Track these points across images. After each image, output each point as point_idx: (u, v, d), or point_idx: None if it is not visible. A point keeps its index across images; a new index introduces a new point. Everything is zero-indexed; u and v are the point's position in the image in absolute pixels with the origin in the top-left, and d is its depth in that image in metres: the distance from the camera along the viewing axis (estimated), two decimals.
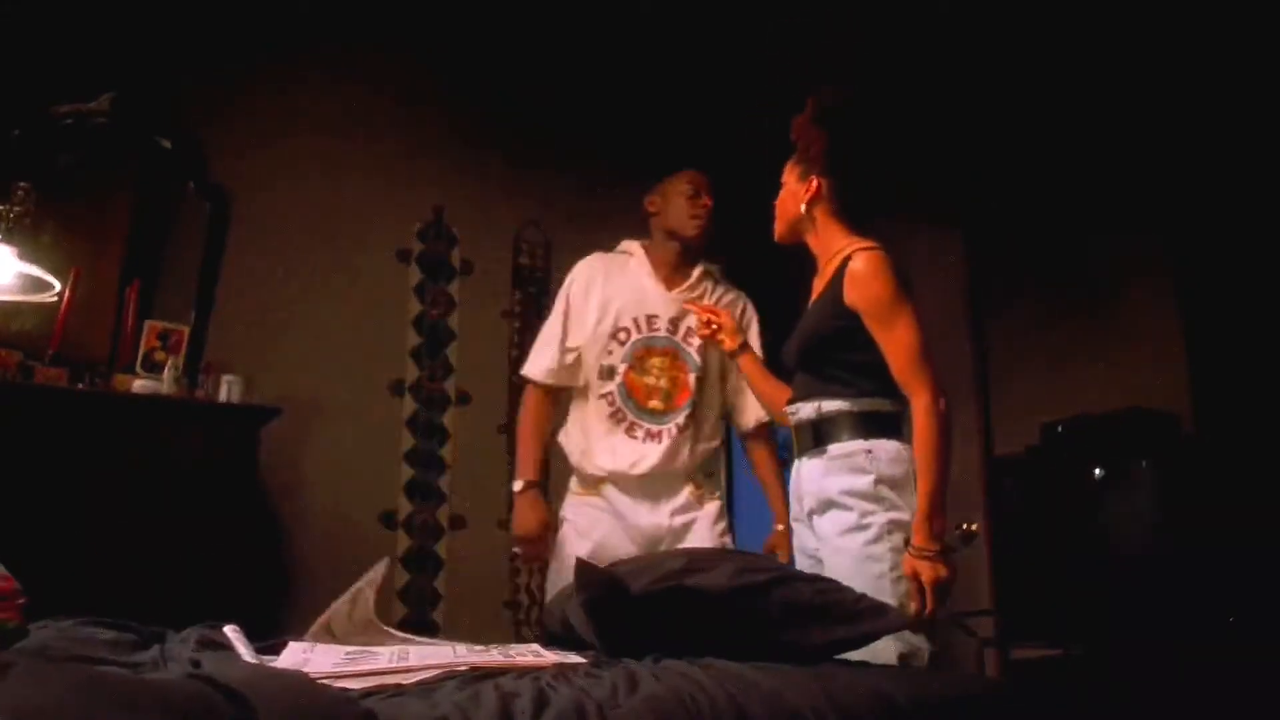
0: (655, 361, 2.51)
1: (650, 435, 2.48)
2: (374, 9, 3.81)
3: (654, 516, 2.46)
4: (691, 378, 2.51)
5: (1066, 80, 3.96)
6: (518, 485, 2.49)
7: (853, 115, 2.22)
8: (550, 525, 2.48)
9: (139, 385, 2.95)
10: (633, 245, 2.65)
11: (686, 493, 2.50)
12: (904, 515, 1.96)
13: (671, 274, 2.59)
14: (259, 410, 3.07)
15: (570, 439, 2.57)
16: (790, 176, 2.22)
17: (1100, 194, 4.07)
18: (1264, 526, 3.24)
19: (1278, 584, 3.15)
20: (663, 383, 2.50)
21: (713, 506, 2.51)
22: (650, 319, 2.53)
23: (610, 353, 2.51)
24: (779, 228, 2.25)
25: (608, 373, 2.50)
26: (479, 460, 3.81)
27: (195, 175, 3.40)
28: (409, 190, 3.87)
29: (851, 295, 2.03)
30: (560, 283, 4.01)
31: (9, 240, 2.69)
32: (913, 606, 1.87)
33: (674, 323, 2.54)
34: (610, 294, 2.54)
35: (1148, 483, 3.57)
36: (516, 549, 2.61)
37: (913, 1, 3.67)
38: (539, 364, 2.58)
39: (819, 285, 2.17)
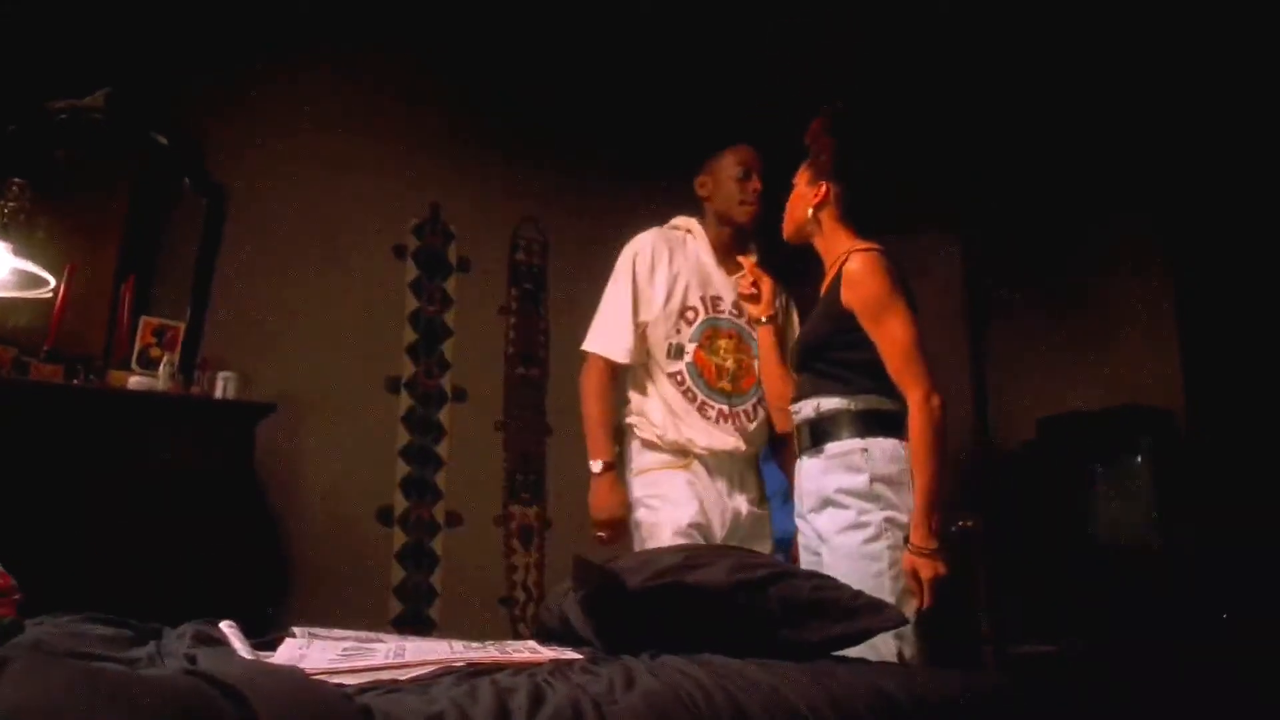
0: (722, 343, 2.49)
1: (722, 415, 2.45)
2: (371, 6, 3.80)
3: (736, 500, 2.43)
4: (756, 363, 2.50)
5: (1061, 79, 3.96)
6: (596, 466, 2.42)
7: (862, 125, 2.26)
8: (629, 506, 2.42)
9: (134, 381, 2.95)
10: (690, 222, 2.60)
11: (756, 484, 2.50)
12: (900, 514, 1.98)
13: (727, 257, 2.57)
14: (255, 406, 3.07)
15: (650, 414, 2.47)
16: (801, 180, 2.28)
17: (1095, 192, 4.08)
18: (1259, 522, 3.25)
19: (1272, 579, 3.16)
20: (729, 364, 2.48)
21: (770, 510, 2.52)
22: (715, 300, 2.51)
23: (678, 331, 2.47)
24: (788, 228, 2.30)
25: (676, 351, 2.46)
26: (475, 457, 3.81)
27: (191, 171, 3.39)
28: (406, 186, 3.86)
29: (847, 295, 2.07)
30: (557, 279, 4.09)
31: (4, 236, 2.68)
32: (912, 603, 1.88)
33: (738, 307, 2.53)
34: (676, 271, 2.49)
35: (1143, 478, 3.57)
36: (600, 533, 2.46)
37: (910, 2, 3.68)
38: (617, 342, 2.47)
39: (824, 288, 2.21)
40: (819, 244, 2.24)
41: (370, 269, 3.74)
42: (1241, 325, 3.57)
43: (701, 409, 2.44)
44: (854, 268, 2.07)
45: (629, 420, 2.51)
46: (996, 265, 4.37)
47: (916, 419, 1.97)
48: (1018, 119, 4.17)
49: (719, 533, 2.39)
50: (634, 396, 2.51)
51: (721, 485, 2.43)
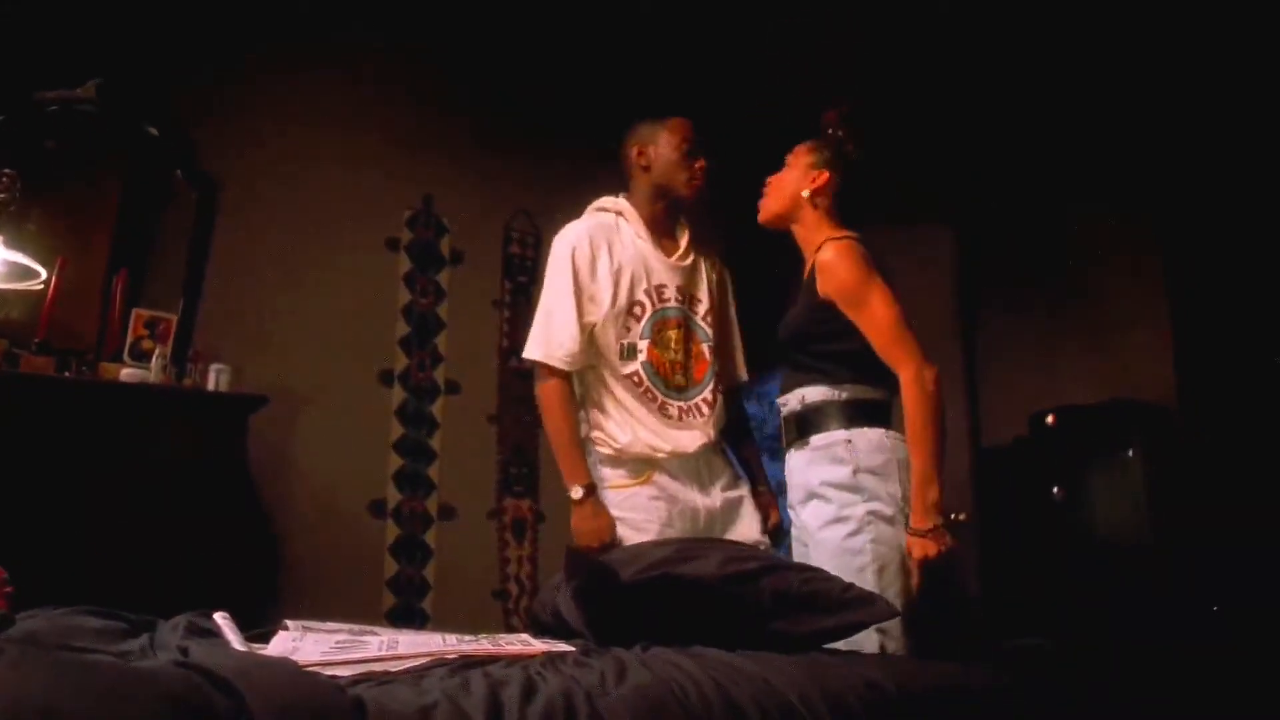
0: (671, 334, 2.34)
1: (683, 412, 2.31)
2: None
3: (706, 498, 2.30)
4: (706, 348, 2.37)
5: (1054, 73, 3.96)
6: (577, 493, 2.22)
7: (873, 124, 2.25)
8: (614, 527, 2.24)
9: (126, 374, 2.94)
10: (619, 203, 2.43)
11: (726, 468, 2.37)
12: (885, 506, 1.97)
13: (663, 237, 2.42)
14: (247, 399, 3.06)
15: (608, 426, 2.30)
16: (798, 160, 2.22)
17: (1089, 186, 4.09)
18: (1251, 517, 3.26)
19: (1265, 574, 3.18)
20: (679, 356, 2.34)
21: (748, 487, 2.38)
22: (660, 289, 2.35)
23: (628, 330, 2.31)
24: (771, 205, 2.24)
25: (629, 351, 2.30)
26: (468, 450, 3.81)
27: (183, 163, 3.38)
28: (398, 179, 3.85)
29: (824, 285, 2.06)
30: None
31: None
32: (897, 598, 1.87)
33: (681, 292, 2.37)
34: (618, 265, 2.32)
35: (1136, 473, 3.59)
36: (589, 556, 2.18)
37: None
38: (562, 347, 2.27)
39: (804, 278, 2.20)
40: (798, 231, 2.21)
41: (363, 261, 3.73)
42: (1235, 321, 3.58)
43: (663, 409, 2.30)
44: (826, 257, 2.05)
45: (588, 433, 2.35)
46: (990, 260, 4.38)
47: (910, 394, 1.94)
48: (1012, 113, 4.18)
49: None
50: (589, 408, 2.35)
51: (691, 486, 2.30)
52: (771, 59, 3.99)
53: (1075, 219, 4.15)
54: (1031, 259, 4.29)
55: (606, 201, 2.46)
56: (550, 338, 2.28)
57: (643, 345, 2.31)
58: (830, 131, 2.22)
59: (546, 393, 2.29)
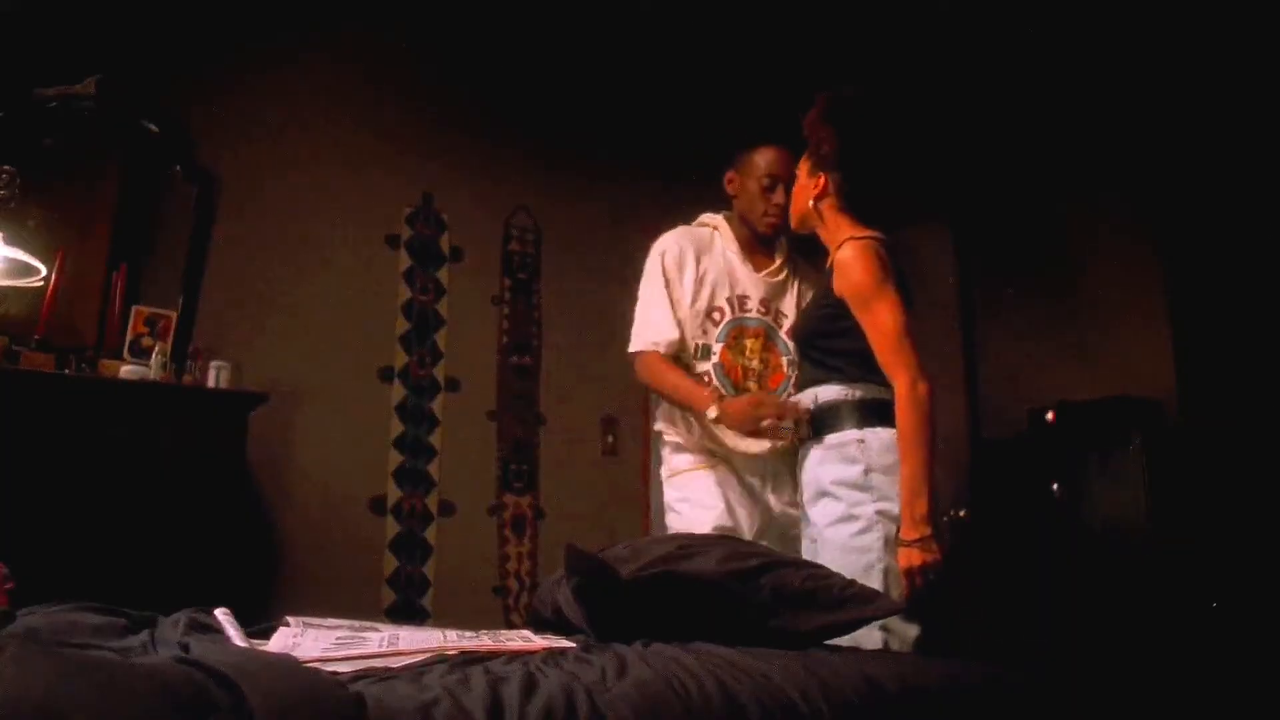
0: (749, 343, 2.43)
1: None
2: None
3: (768, 498, 2.37)
4: (784, 361, 2.44)
5: (1050, 67, 3.96)
6: (713, 412, 2.27)
7: (862, 113, 2.24)
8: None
9: (126, 370, 2.94)
10: (715, 219, 2.55)
11: (789, 483, 2.38)
12: (894, 506, 1.98)
13: (755, 252, 2.52)
14: (247, 396, 3.06)
15: (677, 417, 2.43)
16: (801, 171, 2.27)
17: (1085, 182, 4.08)
18: (1251, 512, 3.26)
19: (1264, 569, 3.18)
20: (755, 364, 2.43)
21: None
22: (742, 299, 2.46)
23: (705, 332, 2.42)
24: (792, 220, 2.30)
25: (704, 351, 2.42)
26: (468, 446, 3.81)
27: (182, 159, 3.38)
28: (398, 175, 3.85)
29: (838, 284, 2.08)
30: (550, 268, 4.08)
31: None
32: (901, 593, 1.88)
33: (765, 304, 2.47)
34: (703, 271, 2.45)
35: (1135, 469, 3.59)
36: (777, 430, 2.27)
37: None
38: (659, 332, 2.40)
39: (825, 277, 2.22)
40: (822, 234, 2.23)
41: (363, 258, 3.73)
42: (1232, 316, 3.58)
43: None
44: (844, 256, 2.07)
45: (657, 426, 2.50)
46: (987, 256, 4.38)
47: (903, 405, 1.96)
48: (1007, 109, 4.17)
49: (748, 534, 2.34)
50: (663, 402, 2.49)
51: (754, 483, 2.38)
52: (765, 51, 3.98)
53: (1073, 215, 4.15)
54: (1030, 255, 4.29)
55: (706, 217, 2.57)
56: (651, 327, 2.42)
57: (717, 348, 2.41)
58: (810, 134, 2.22)
59: (650, 369, 2.42)
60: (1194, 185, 3.72)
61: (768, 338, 2.45)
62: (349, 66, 3.80)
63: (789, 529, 2.35)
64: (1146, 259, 3.87)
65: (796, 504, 2.35)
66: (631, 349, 2.46)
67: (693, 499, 2.36)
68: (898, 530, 1.95)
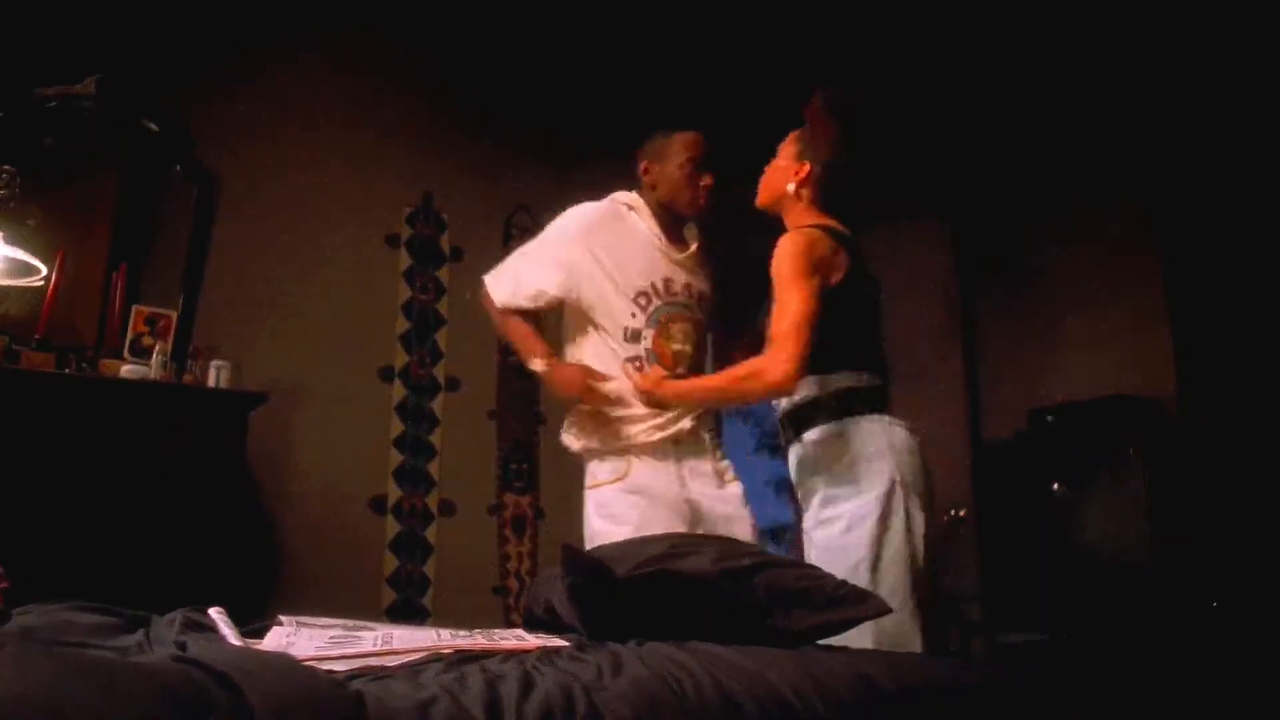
0: (676, 327, 2.38)
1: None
2: None
3: (689, 488, 2.33)
4: (708, 340, 2.48)
5: (1050, 64, 3.96)
6: (539, 365, 2.33)
7: (865, 108, 2.24)
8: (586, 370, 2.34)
9: (127, 370, 2.94)
10: (631, 198, 2.47)
11: (710, 461, 2.39)
12: (878, 500, 1.95)
13: (672, 235, 2.46)
14: (248, 396, 3.07)
15: (586, 418, 2.38)
16: (786, 152, 2.23)
17: (1087, 182, 4.08)
18: (1251, 512, 3.26)
19: (1263, 568, 3.18)
20: (687, 348, 2.39)
21: (737, 488, 2.41)
22: (668, 282, 2.40)
23: (633, 315, 2.36)
24: (763, 196, 2.26)
25: (634, 336, 2.36)
26: (468, 446, 3.82)
27: (182, 158, 3.38)
28: (398, 175, 3.86)
29: (772, 269, 2.06)
30: None
31: None
32: (895, 597, 1.84)
33: (688, 288, 2.43)
34: (624, 254, 2.38)
35: (1135, 469, 3.59)
36: (585, 404, 2.35)
37: None
38: (521, 292, 2.41)
39: None
40: (786, 220, 2.20)
41: (363, 258, 3.74)
42: (1232, 316, 3.58)
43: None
44: (779, 244, 2.06)
45: (565, 439, 2.44)
46: (989, 255, 4.38)
47: (758, 367, 1.98)
48: (1008, 108, 4.17)
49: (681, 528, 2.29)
50: (569, 415, 2.44)
51: (670, 479, 2.32)
52: (764, 48, 3.98)
53: (1074, 214, 4.15)
54: (1030, 254, 4.29)
55: (621, 195, 2.51)
56: (519, 285, 2.41)
57: (648, 333, 2.36)
58: (810, 120, 2.21)
59: (497, 313, 2.46)
60: (1195, 185, 3.72)
61: (693, 322, 2.42)
62: (349, 66, 3.80)
63: (730, 517, 2.33)
64: (1146, 259, 3.87)
65: (724, 484, 2.39)
66: (492, 293, 2.44)
67: (614, 513, 2.30)
68: (885, 523, 1.93)
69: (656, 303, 2.38)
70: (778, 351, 1.96)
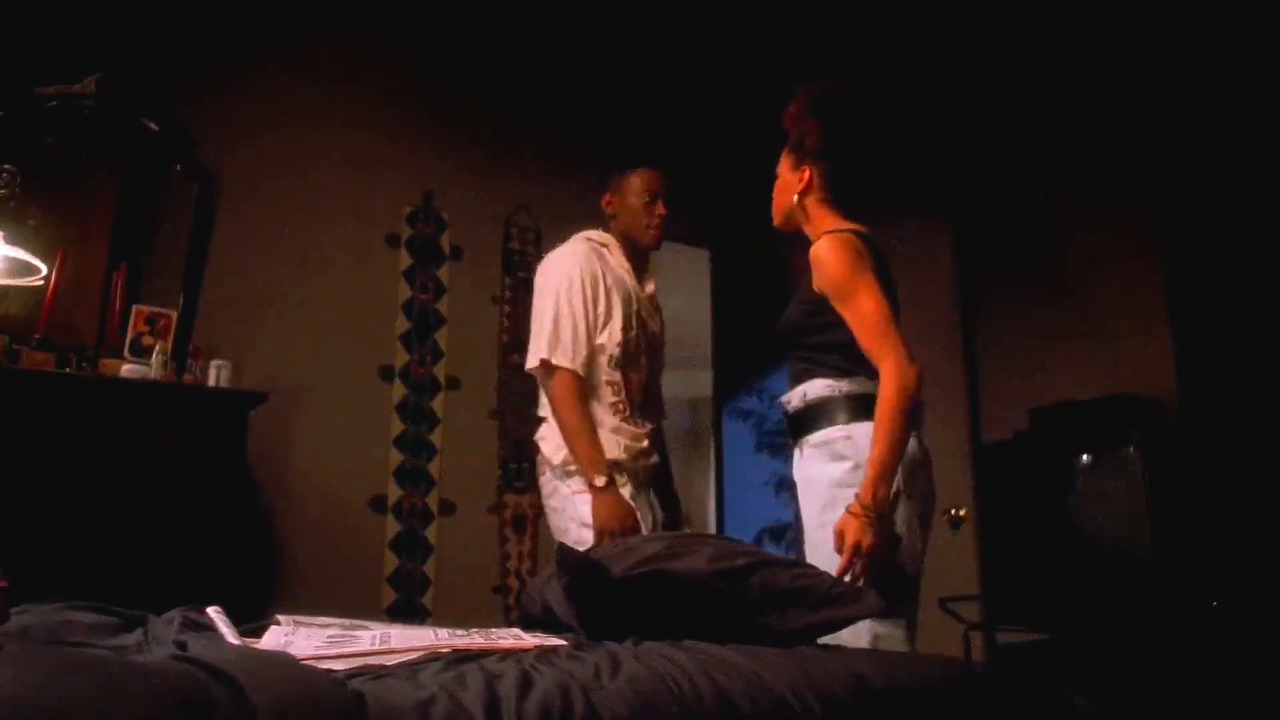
0: (642, 358, 2.58)
1: (641, 426, 2.54)
2: None
3: (658, 509, 2.51)
4: (660, 369, 2.65)
5: (1052, 65, 3.96)
6: (600, 481, 2.36)
7: (845, 105, 2.22)
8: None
9: (127, 370, 2.94)
10: (605, 236, 2.65)
11: (669, 493, 2.61)
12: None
13: (637, 268, 2.65)
14: (248, 395, 3.07)
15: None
16: (784, 167, 2.24)
17: (1087, 182, 4.08)
18: (1250, 512, 3.26)
19: (1262, 569, 3.18)
20: (645, 376, 2.59)
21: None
22: (639, 316, 2.58)
23: (619, 345, 2.51)
24: (776, 217, 2.27)
25: (616, 363, 2.52)
26: (469, 445, 3.82)
27: (182, 157, 3.38)
28: (399, 174, 3.86)
29: (816, 279, 2.06)
30: None
31: None
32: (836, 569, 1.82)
33: (650, 318, 2.63)
34: (610, 288, 2.54)
35: (1134, 467, 3.59)
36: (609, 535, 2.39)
37: None
38: (579, 355, 2.46)
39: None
40: (806, 229, 2.20)
41: (363, 257, 3.74)
42: (1231, 316, 3.58)
43: (628, 420, 2.51)
44: (818, 251, 2.05)
45: (541, 433, 2.55)
46: (989, 255, 4.38)
47: (889, 389, 1.91)
48: (1009, 108, 4.17)
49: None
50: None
51: (649, 497, 2.52)
52: (763, 47, 3.98)
53: (1075, 214, 4.15)
54: (1031, 253, 4.29)
55: (594, 234, 2.70)
56: (570, 345, 2.45)
57: (622, 361, 2.52)
58: (792, 128, 2.20)
59: (563, 390, 2.44)
60: (1195, 186, 3.72)
61: (653, 353, 2.63)
62: (349, 66, 3.80)
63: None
64: (1147, 259, 3.87)
65: (672, 506, 2.56)
66: (551, 359, 2.44)
67: (581, 515, 2.40)
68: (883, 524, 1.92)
69: (631, 334, 2.55)
70: (883, 364, 1.94)
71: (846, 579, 1.78)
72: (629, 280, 2.59)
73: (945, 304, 4.28)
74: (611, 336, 2.50)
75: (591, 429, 2.41)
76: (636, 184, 2.60)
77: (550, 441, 2.50)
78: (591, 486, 2.36)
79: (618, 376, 2.50)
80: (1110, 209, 4.01)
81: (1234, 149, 3.58)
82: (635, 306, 2.56)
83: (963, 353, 4.27)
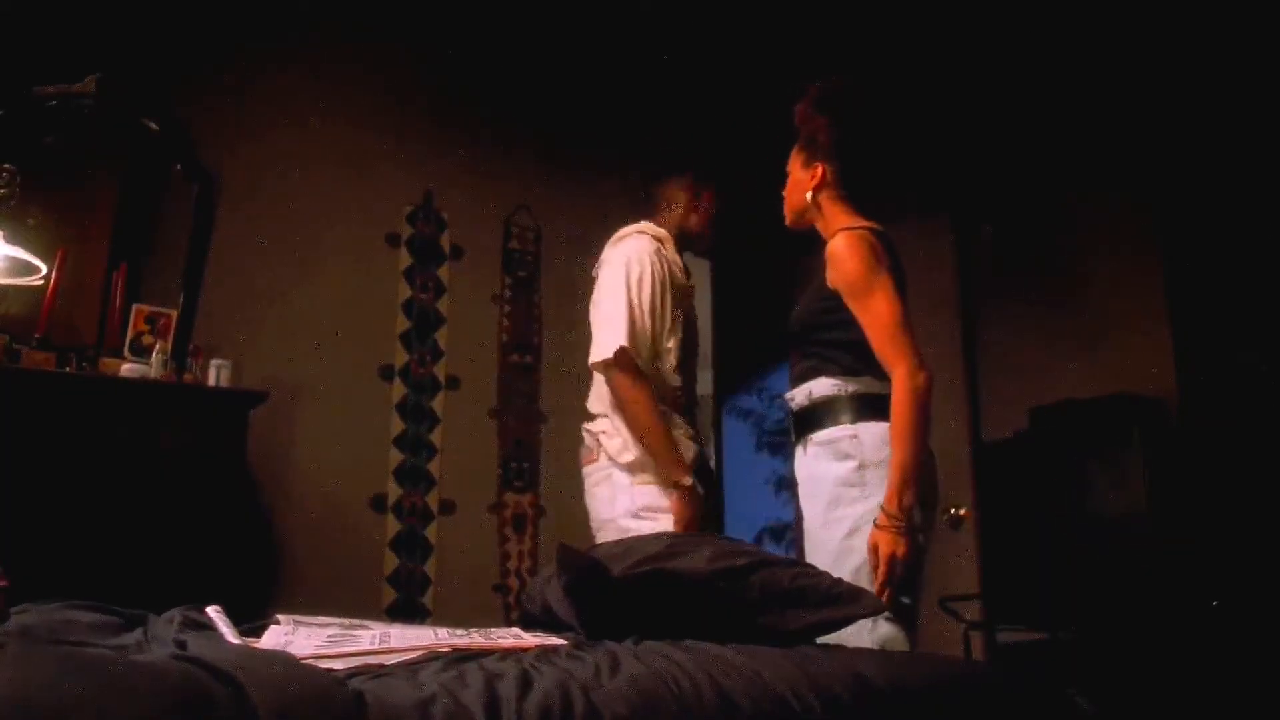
0: (693, 359, 2.65)
1: (691, 424, 2.60)
2: None
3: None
4: (697, 362, 2.68)
5: (1053, 64, 3.96)
6: (688, 481, 2.38)
7: (855, 101, 2.22)
8: None
9: (127, 369, 2.94)
10: (661, 232, 2.65)
11: None
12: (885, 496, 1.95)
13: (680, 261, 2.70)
14: (248, 394, 3.07)
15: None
16: (795, 165, 2.23)
17: (1088, 181, 4.08)
18: (1251, 511, 3.26)
19: (1263, 569, 3.18)
20: (694, 371, 2.64)
21: None
22: (688, 315, 2.64)
23: (681, 348, 2.58)
24: (788, 216, 2.27)
25: (679, 367, 2.56)
26: (469, 445, 3.82)
27: (182, 157, 3.38)
28: (399, 174, 3.86)
29: (831, 276, 2.05)
30: (550, 266, 4.08)
31: None
32: (875, 583, 1.85)
33: (692, 311, 2.68)
34: (674, 291, 2.56)
35: (1135, 467, 3.59)
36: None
37: None
38: (642, 348, 2.46)
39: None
40: (820, 227, 2.19)
41: (363, 256, 3.74)
42: (1233, 314, 3.58)
43: (685, 419, 2.56)
44: (835, 248, 2.04)
45: (613, 444, 2.53)
46: (988, 253, 4.38)
47: (900, 394, 1.91)
48: (1010, 107, 4.17)
49: None
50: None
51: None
52: (764, 46, 3.98)
53: (1075, 214, 4.14)
54: (1032, 252, 4.29)
55: (651, 229, 2.65)
56: (636, 335, 2.43)
57: (677, 350, 2.56)
58: (803, 126, 2.20)
59: (632, 388, 2.41)
60: (1196, 185, 3.72)
61: (695, 346, 2.69)
62: (349, 65, 3.80)
63: None
64: (1147, 258, 3.87)
65: (712, 485, 2.62)
66: (620, 342, 2.41)
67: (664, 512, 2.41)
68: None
69: (687, 335, 2.62)
70: (895, 369, 1.94)
71: (888, 593, 1.81)
72: (680, 275, 2.63)
73: (946, 302, 4.28)
74: (676, 342, 2.54)
75: (668, 429, 2.42)
76: (704, 191, 2.70)
77: (615, 439, 2.47)
78: (679, 486, 2.38)
79: (679, 380, 2.55)
80: (1110, 209, 4.00)
81: (1234, 149, 3.57)
82: (687, 304, 2.62)
83: (963, 353, 4.27)
